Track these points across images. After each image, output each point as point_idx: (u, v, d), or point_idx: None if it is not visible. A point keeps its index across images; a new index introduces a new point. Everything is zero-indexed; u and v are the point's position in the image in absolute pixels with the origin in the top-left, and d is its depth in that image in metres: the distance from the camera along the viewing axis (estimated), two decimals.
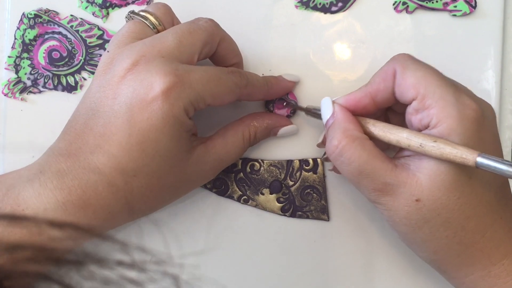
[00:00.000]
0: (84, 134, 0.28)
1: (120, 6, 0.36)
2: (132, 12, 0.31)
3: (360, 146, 0.27)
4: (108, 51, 0.30)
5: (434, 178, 0.26)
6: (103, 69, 0.29)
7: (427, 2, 0.35)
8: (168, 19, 0.31)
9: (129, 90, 0.27)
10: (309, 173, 0.35)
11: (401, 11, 0.35)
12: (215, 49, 0.31)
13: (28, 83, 0.36)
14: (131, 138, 0.27)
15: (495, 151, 0.28)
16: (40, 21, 0.36)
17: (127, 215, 0.29)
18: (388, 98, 0.29)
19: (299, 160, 0.35)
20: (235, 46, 0.32)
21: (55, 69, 0.36)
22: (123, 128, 0.27)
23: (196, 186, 0.33)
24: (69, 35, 0.36)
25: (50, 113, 0.36)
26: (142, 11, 0.31)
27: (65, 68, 0.36)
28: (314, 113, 0.33)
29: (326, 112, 0.30)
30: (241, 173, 0.35)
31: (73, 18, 0.36)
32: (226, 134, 0.32)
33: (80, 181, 0.26)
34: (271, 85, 0.32)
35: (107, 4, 0.36)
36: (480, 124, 0.26)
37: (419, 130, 0.28)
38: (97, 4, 0.36)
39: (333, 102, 0.30)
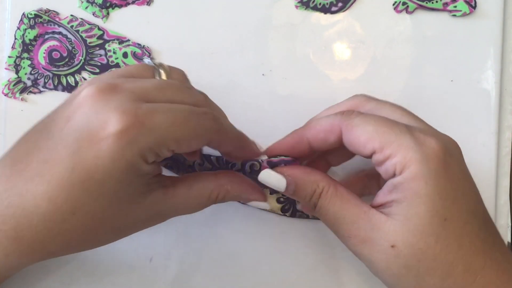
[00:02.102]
0: (31, 154, 0.25)
1: (120, 6, 0.36)
2: (150, 59, 0.29)
3: (332, 194, 0.27)
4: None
5: (406, 222, 0.25)
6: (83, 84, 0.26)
7: (427, 2, 0.35)
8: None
9: (83, 118, 0.24)
10: None
11: (401, 11, 0.35)
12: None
13: (28, 83, 0.36)
14: (73, 174, 0.23)
15: (466, 188, 0.26)
16: (40, 21, 0.36)
17: (66, 251, 0.26)
18: (326, 147, 0.28)
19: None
20: (231, 133, 0.28)
21: (55, 69, 0.36)
22: (67, 160, 0.24)
23: (144, 227, 0.29)
24: (69, 35, 0.36)
25: None
26: (159, 63, 0.29)
27: (65, 68, 0.36)
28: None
29: (281, 185, 0.29)
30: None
31: (73, 18, 0.36)
32: (192, 186, 0.28)
33: (16, 209, 0.24)
34: (243, 141, 0.29)
35: (107, 4, 0.36)
36: (446, 163, 0.25)
37: (388, 179, 0.27)
38: (97, 4, 0.36)
39: (279, 171, 0.29)
